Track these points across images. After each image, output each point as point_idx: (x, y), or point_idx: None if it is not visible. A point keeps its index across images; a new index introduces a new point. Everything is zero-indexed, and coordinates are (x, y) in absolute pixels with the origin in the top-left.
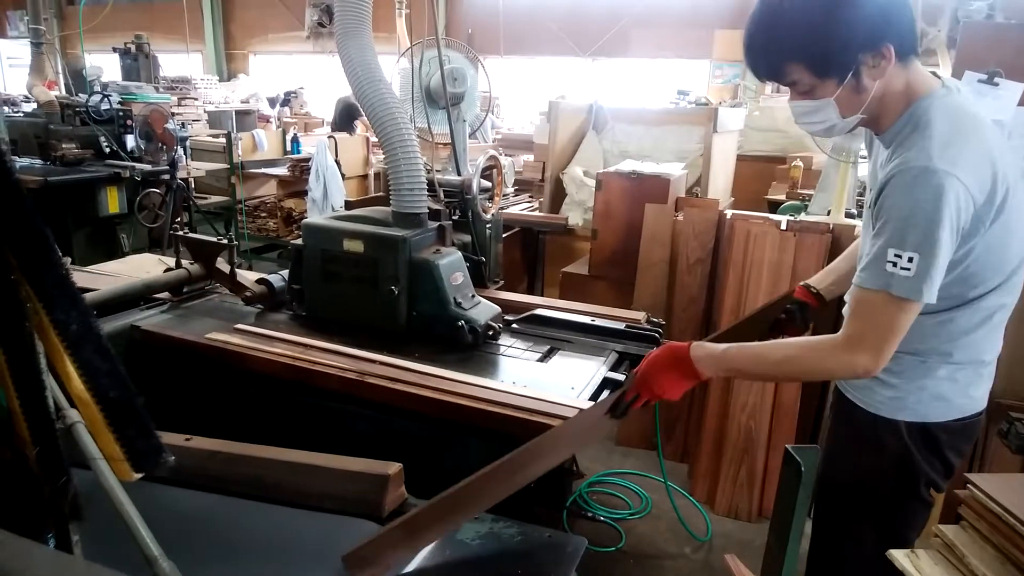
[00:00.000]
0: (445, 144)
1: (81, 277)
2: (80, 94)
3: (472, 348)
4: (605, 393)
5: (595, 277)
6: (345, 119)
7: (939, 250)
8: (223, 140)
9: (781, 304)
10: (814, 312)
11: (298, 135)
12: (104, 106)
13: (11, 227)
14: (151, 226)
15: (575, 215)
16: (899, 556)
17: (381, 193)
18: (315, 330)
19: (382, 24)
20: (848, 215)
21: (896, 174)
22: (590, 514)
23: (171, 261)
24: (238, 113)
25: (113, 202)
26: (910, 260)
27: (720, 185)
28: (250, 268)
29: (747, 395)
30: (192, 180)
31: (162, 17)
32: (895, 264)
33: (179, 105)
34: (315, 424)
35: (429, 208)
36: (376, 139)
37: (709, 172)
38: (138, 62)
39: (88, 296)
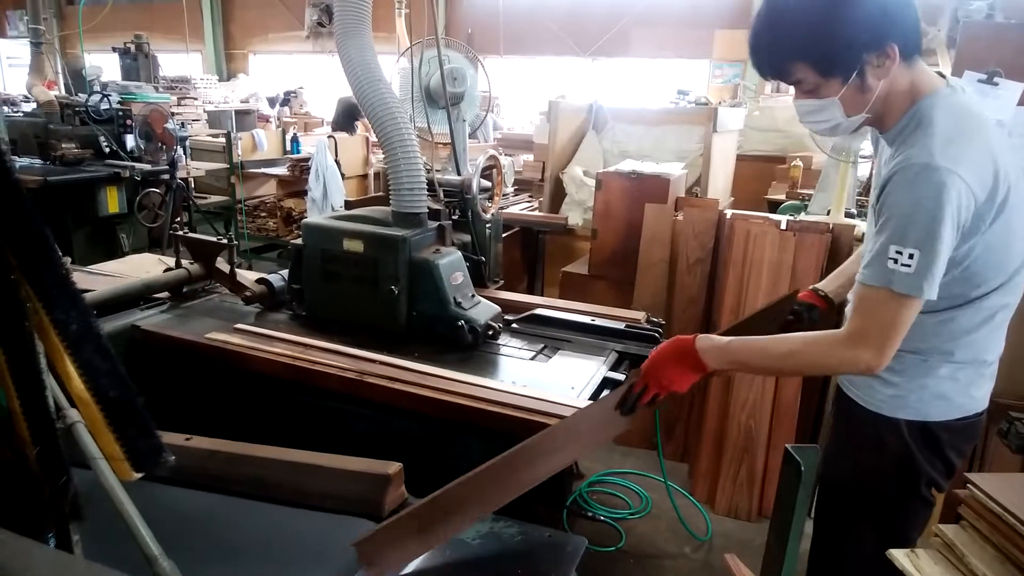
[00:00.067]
0: (445, 144)
1: (81, 277)
2: (80, 94)
3: (472, 348)
4: (605, 393)
5: (595, 277)
6: (346, 119)
7: (940, 247)
8: (223, 140)
9: (786, 305)
10: (822, 314)
11: (298, 135)
12: (104, 106)
13: (11, 227)
14: (151, 226)
15: (575, 215)
16: (899, 556)
17: (381, 193)
18: (315, 330)
19: (382, 24)
20: (848, 215)
21: (898, 171)
22: (590, 514)
23: (171, 261)
24: (238, 113)
25: (113, 202)
26: (911, 257)
27: (720, 185)
28: (250, 268)
29: (747, 394)
30: (192, 180)
31: (162, 17)
32: (896, 261)
33: (179, 105)
34: (315, 424)
35: (429, 208)
36: (376, 139)
37: (709, 172)
38: (138, 62)
39: (88, 296)
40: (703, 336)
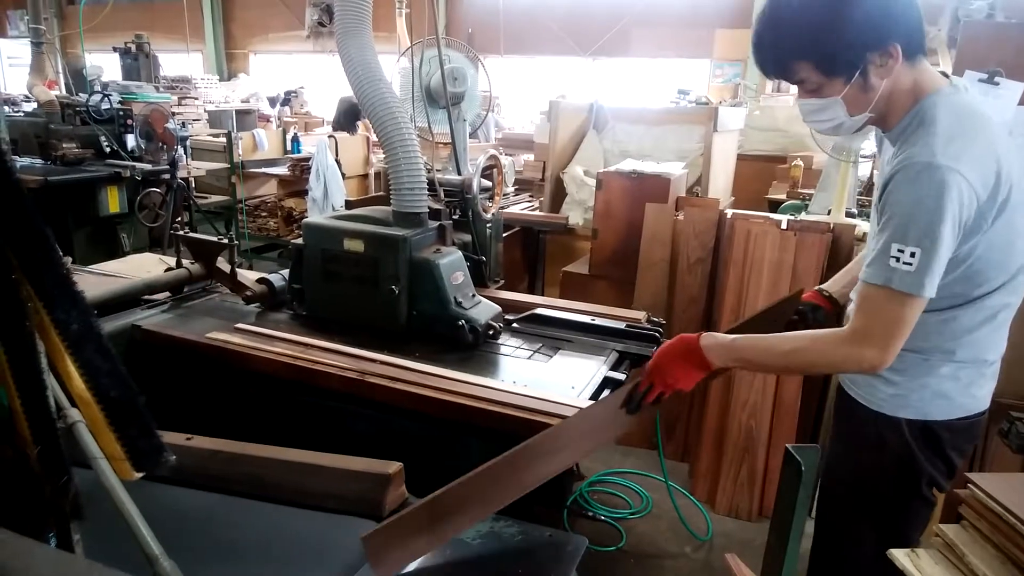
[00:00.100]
0: (445, 144)
1: (81, 277)
2: (80, 94)
3: (472, 347)
4: (605, 393)
5: (595, 277)
6: (349, 118)
7: (941, 245)
8: (223, 140)
9: (791, 305)
10: (827, 315)
11: (298, 134)
12: (104, 106)
13: (12, 227)
14: (151, 226)
15: (575, 215)
16: (899, 555)
17: (381, 193)
18: (315, 329)
19: (382, 24)
20: (848, 215)
21: (900, 169)
22: (591, 513)
23: (171, 261)
24: (238, 112)
25: (113, 202)
26: (912, 255)
27: (720, 184)
28: (250, 267)
29: (748, 394)
30: (192, 180)
31: (162, 16)
32: (898, 259)
33: (179, 104)
34: (315, 424)
35: (429, 208)
36: (376, 138)
37: (709, 171)
38: (138, 62)
39: (88, 296)
40: (707, 334)
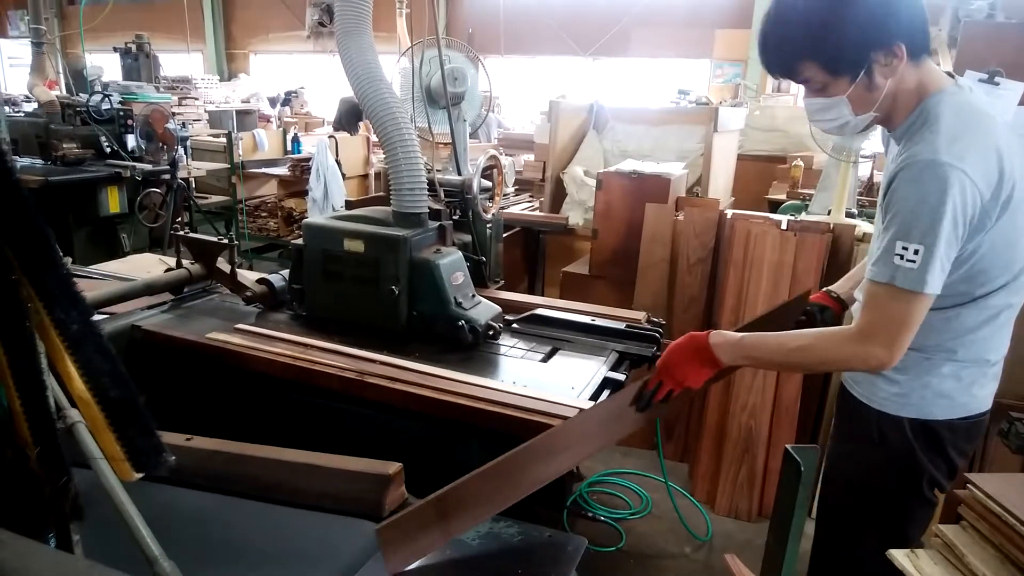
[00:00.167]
0: (445, 144)
1: (82, 277)
2: (81, 94)
3: (472, 348)
4: (605, 393)
5: (595, 277)
6: (351, 118)
7: (945, 242)
8: (224, 140)
9: (798, 306)
10: (835, 316)
11: (299, 135)
12: (105, 106)
13: (12, 227)
14: (152, 226)
15: (575, 215)
16: (898, 556)
17: (381, 193)
18: (315, 330)
19: (382, 24)
20: (849, 215)
21: (904, 167)
22: (590, 514)
23: (172, 261)
24: (239, 113)
25: (114, 202)
26: (916, 252)
27: (720, 185)
28: (251, 268)
29: (747, 394)
30: (193, 180)
31: (162, 17)
32: (902, 257)
33: (180, 105)
34: (315, 424)
35: (429, 208)
36: (377, 139)
37: (709, 172)
38: (139, 62)
39: (88, 296)
40: (716, 332)
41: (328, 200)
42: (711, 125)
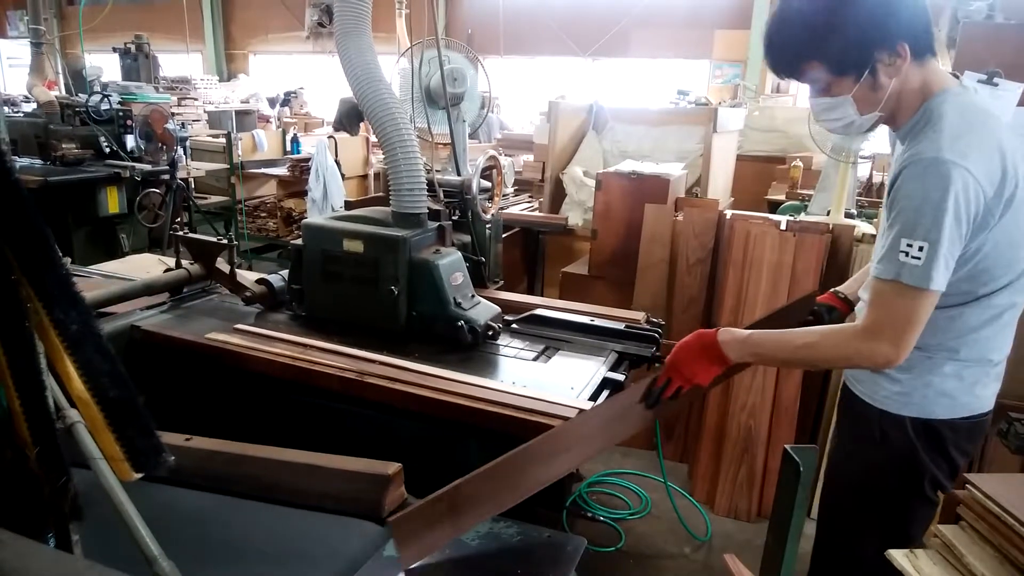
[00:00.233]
0: (445, 144)
1: (81, 277)
2: (80, 94)
3: (472, 348)
4: (605, 393)
5: (595, 277)
6: (351, 118)
7: (948, 239)
8: (223, 140)
9: (805, 306)
10: (843, 317)
11: (298, 135)
12: (104, 106)
13: (12, 227)
14: (151, 226)
15: (575, 215)
16: (898, 556)
17: (381, 193)
18: (315, 330)
19: (382, 24)
20: (848, 215)
21: (908, 165)
22: (590, 514)
23: (171, 261)
24: (238, 113)
25: (113, 202)
26: (920, 249)
27: (720, 185)
28: (250, 268)
29: (746, 394)
30: (192, 180)
31: (162, 17)
32: (906, 254)
33: (179, 105)
34: (315, 424)
35: (429, 208)
36: (376, 139)
37: (709, 172)
38: (138, 62)
39: (87, 296)
40: (724, 329)
41: (327, 200)
42: (710, 126)
